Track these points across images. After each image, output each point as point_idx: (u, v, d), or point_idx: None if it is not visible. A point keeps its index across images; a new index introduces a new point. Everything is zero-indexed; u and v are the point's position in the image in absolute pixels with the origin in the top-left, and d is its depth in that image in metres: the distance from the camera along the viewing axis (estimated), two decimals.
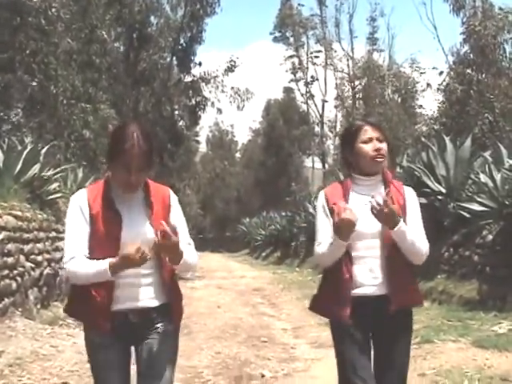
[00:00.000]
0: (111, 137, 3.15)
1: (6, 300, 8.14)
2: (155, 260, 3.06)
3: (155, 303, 3.11)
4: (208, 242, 56.64)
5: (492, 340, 7.17)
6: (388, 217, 3.17)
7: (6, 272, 8.11)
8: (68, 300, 3.35)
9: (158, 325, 3.12)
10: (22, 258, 8.75)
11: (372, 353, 3.41)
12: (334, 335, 3.47)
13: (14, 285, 8.42)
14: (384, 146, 3.36)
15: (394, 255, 3.29)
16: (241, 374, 6.73)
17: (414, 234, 3.29)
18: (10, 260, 8.30)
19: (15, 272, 8.48)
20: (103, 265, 2.92)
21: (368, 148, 3.33)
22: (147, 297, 3.10)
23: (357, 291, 3.30)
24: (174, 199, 3.25)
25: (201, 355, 7.62)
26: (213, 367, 7.02)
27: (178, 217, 3.21)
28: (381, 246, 3.30)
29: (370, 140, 3.34)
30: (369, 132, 3.35)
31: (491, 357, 6.48)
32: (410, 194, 3.44)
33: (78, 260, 2.99)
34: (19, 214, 8.90)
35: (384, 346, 3.34)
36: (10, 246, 8.25)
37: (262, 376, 6.61)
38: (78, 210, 3.07)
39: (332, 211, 3.21)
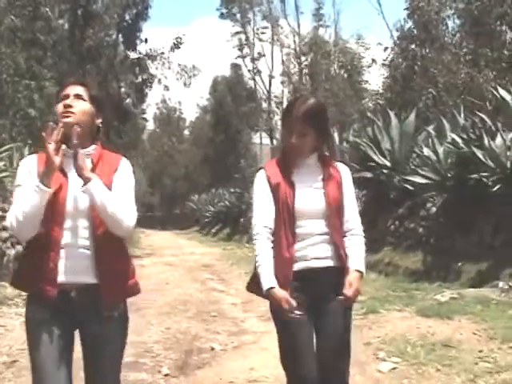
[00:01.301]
0: None
1: None
2: (90, 229, 2.97)
3: (94, 280, 2.98)
4: (157, 220, 56.47)
5: (435, 308, 7.42)
6: None
7: None
8: (14, 272, 3.29)
9: (102, 310, 3.00)
10: None
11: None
12: (272, 316, 3.41)
13: None
14: (304, 140, 3.30)
15: (338, 234, 3.34)
16: (191, 347, 6.82)
17: None
18: None
19: None
20: (32, 185, 2.84)
21: (287, 138, 3.37)
22: (87, 272, 2.97)
23: (301, 265, 3.30)
24: (124, 164, 3.14)
25: (151, 331, 7.67)
26: (163, 342, 7.08)
27: (122, 177, 3.08)
28: (326, 224, 3.32)
29: (291, 131, 3.33)
30: (292, 122, 3.31)
31: (434, 324, 6.70)
32: (344, 171, 3.47)
33: (14, 207, 2.91)
34: None
35: (331, 318, 3.33)
36: None
37: (212, 349, 6.71)
38: (26, 173, 2.99)
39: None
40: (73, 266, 2.95)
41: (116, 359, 3.10)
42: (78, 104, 3.02)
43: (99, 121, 3.12)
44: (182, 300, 10.11)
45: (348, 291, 3.17)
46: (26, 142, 14.94)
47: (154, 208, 64.77)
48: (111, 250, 3.02)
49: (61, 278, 2.94)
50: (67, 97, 3.03)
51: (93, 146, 3.09)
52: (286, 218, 3.31)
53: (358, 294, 3.24)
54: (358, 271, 3.26)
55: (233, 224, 30.71)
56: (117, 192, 3.01)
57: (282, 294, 3.16)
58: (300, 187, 3.34)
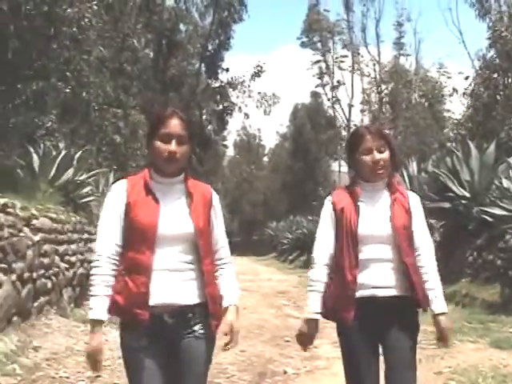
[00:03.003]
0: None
1: (42, 298, 8.51)
2: (194, 254, 3.04)
3: (191, 301, 3.02)
4: (235, 246, 56.64)
5: (509, 341, 7.40)
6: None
7: (42, 272, 8.48)
8: None
9: (196, 327, 3.05)
10: (56, 258, 9.14)
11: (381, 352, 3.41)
12: (340, 340, 3.46)
13: (50, 284, 8.80)
14: (384, 155, 3.38)
15: (409, 258, 3.32)
16: (265, 370, 7.02)
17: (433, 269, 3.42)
18: (46, 260, 8.67)
19: (50, 272, 8.86)
20: (94, 308, 2.96)
21: (367, 159, 3.38)
22: (183, 294, 3.01)
23: (362, 293, 3.30)
24: (215, 197, 3.24)
25: (226, 353, 7.85)
26: (238, 364, 7.30)
27: (218, 215, 3.22)
28: (393, 250, 3.32)
29: (370, 151, 3.37)
30: (369, 142, 3.37)
31: (507, 357, 6.70)
32: (413, 198, 3.50)
33: (101, 267, 2.99)
34: (54, 216, 9.27)
35: (392, 345, 3.33)
36: (46, 247, 8.62)
37: (285, 372, 6.88)
38: (115, 198, 3.07)
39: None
40: (166, 289, 2.98)
41: (203, 380, 3.14)
42: (182, 149, 3.05)
43: (190, 151, 3.15)
44: (257, 325, 10.30)
45: (443, 342, 3.40)
46: (111, 167, 15.60)
47: (232, 234, 65.29)
48: (214, 277, 3.14)
49: (152, 301, 2.96)
50: (169, 138, 3.04)
51: (182, 174, 3.14)
52: (349, 242, 3.34)
53: (450, 332, 3.44)
54: (443, 313, 3.38)
55: (310, 251, 30.41)
56: (219, 233, 3.20)
57: (312, 330, 3.43)
58: (365, 211, 3.37)
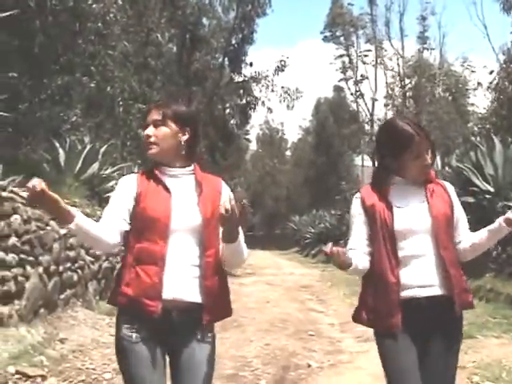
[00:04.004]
0: None
1: (68, 291, 8.63)
2: (200, 249, 2.96)
3: (198, 299, 2.93)
4: (257, 240, 56.81)
5: None
6: None
7: (68, 265, 8.59)
8: (112, 290, 3.08)
9: (198, 331, 2.95)
10: (82, 251, 9.24)
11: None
12: (381, 348, 3.20)
13: (76, 277, 8.91)
14: (430, 156, 3.20)
15: (448, 251, 3.13)
16: (288, 364, 7.07)
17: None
18: (72, 254, 8.78)
19: (76, 265, 8.97)
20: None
21: (418, 163, 3.17)
22: (190, 290, 2.92)
23: (406, 294, 3.08)
24: (225, 189, 3.13)
25: (250, 346, 7.97)
26: (262, 357, 7.35)
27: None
28: (433, 242, 3.11)
29: (421, 154, 3.17)
30: (421, 145, 3.15)
31: None
32: (450, 187, 3.30)
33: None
34: (80, 210, 9.36)
35: (435, 358, 3.12)
36: (72, 241, 8.72)
37: (309, 366, 6.93)
38: (125, 188, 3.02)
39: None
40: (177, 283, 2.89)
41: (208, 382, 3.01)
42: (157, 131, 3.02)
43: (185, 138, 3.05)
44: (280, 318, 10.35)
45: None
46: (135, 161, 15.71)
47: (254, 228, 65.42)
48: (217, 270, 2.99)
49: (165, 294, 2.86)
50: (146, 126, 3.07)
51: (191, 166, 3.10)
52: (386, 239, 3.12)
53: None
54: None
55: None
56: None
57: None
58: (399, 205, 3.15)
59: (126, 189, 3.02)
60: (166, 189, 2.98)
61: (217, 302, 2.99)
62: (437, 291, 3.09)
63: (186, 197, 3.00)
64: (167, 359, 3.01)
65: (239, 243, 2.97)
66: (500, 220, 3.12)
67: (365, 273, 3.21)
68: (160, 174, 3.03)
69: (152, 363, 2.89)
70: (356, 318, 3.30)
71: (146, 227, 2.90)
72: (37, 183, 2.61)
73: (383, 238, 3.12)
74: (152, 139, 3.02)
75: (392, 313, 3.07)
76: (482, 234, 3.19)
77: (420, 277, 3.08)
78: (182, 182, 3.04)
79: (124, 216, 2.95)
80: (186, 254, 2.93)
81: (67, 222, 2.77)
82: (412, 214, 3.14)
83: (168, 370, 3.01)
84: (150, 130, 3.03)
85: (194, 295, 2.93)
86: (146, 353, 2.88)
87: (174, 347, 2.97)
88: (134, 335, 2.88)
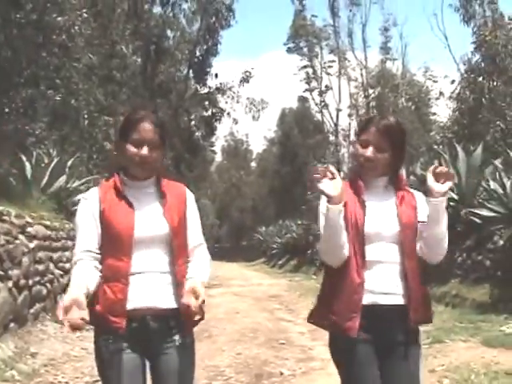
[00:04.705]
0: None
1: (38, 305, 8.56)
2: (170, 257, 2.97)
3: (172, 304, 2.94)
4: (224, 252, 56.82)
5: (500, 339, 7.52)
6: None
7: (37, 278, 8.53)
8: None
9: (176, 336, 2.97)
10: (51, 265, 9.19)
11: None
12: (335, 353, 3.13)
13: (45, 291, 8.85)
14: (382, 156, 3.06)
15: (412, 261, 3.05)
16: (261, 372, 7.10)
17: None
18: (41, 267, 8.73)
19: (45, 279, 8.91)
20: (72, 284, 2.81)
21: (361, 152, 3.10)
22: (164, 297, 2.94)
23: (368, 298, 2.98)
24: (190, 196, 3.15)
25: (222, 356, 7.99)
26: (234, 366, 7.38)
27: (193, 214, 3.12)
28: (399, 250, 3.04)
29: (367, 144, 3.08)
30: (369, 135, 3.08)
31: (498, 354, 6.83)
32: (419, 196, 3.19)
33: (82, 259, 2.90)
34: (48, 223, 9.33)
35: (395, 366, 3.04)
36: (41, 254, 8.68)
37: (281, 374, 6.98)
38: (88, 207, 2.99)
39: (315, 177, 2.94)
40: (149, 291, 2.91)
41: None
42: (154, 154, 2.97)
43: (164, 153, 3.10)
44: (251, 328, 10.38)
45: None
46: (102, 174, 15.63)
47: (221, 239, 65.37)
48: (183, 274, 2.99)
49: (132, 305, 2.89)
50: (141, 143, 2.96)
51: (153, 177, 3.07)
52: (354, 239, 3.01)
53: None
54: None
55: (300, 256, 30.78)
56: (194, 230, 3.10)
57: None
58: (371, 208, 3.05)
59: (89, 213, 2.99)
60: (129, 203, 2.97)
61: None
62: (399, 300, 3.00)
63: (150, 208, 3.00)
64: (147, 365, 3.02)
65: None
66: (426, 200, 3.06)
67: (332, 263, 3.06)
68: (122, 187, 3.01)
69: (132, 374, 2.90)
70: (313, 318, 3.20)
71: (110, 244, 2.92)
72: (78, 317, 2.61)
73: (352, 237, 3.01)
74: (150, 161, 2.98)
75: (351, 316, 2.95)
76: (427, 225, 3.06)
77: (382, 283, 2.99)
78: (145, 193, 3.04)
79: (97, 244, 2.95)
80: (155, 263, 2.94)
81: None
82: (381, 218, 3.06)
83: (149, 376, 3.03)
84: (147, 152, 2.96)
85: (168, 301, 2.94)
86: (126, 363, 2.88)
87: (153, 353, 2.98)
88: (112, 346, 2.88)
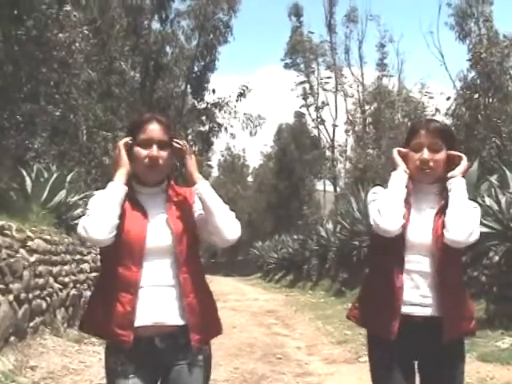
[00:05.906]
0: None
1: (37, 319, 8.61)
2: (176, 269, 2.85)
3: (180, 321, 2.82)
4: (220, 266, 56.76)
5: (495, 354, 7.61)
6: None
7: (37, 292, 8.59)
8: (83, 315, 3.10)
9: (186, 355, 2.85)
10: (51, 279, 9.25)
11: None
12: (372, 353, 3.16)
13: (44, 305, 8.91)
14: (439, 156, 3.02)
15: (446, 272, 2.97)
16: None
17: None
18: (41, 281, 8.78)
19: (45, 292, 8.97)
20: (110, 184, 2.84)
21: (415, 157, 3.05)
22: (171, 313, 2.83)
23: (404, 308, 2.96)
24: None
25: (220, 370, 8.02)
26: (231, 381, 7.46)
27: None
28: (431, 260, 2.98)
29: (421, 147, 3.04)
30: (422, 137, 3.05)
31: (493, 369, 6.92)
32: None
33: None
34: (48, 237, 9.40)
35: (434, 379, 3.02)
36: (41, 268, 8.73)
37: None
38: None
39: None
40: (156, 307, 2.81)
41: None
42: (164, 155, 2.88)
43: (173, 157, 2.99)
44: (248, 343, 10.44)
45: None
46: (100, 189, 15.71)
47: (217, 254, 65.23)
48: (198, 286, 2.89)
49: (140, 321, 2.78)
50: (149, 143, 2.88)
51: (165, 182, 3.00)
52: (395, 246, 2.97)
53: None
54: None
55: (296, 271, 30.79)
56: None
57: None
58: (415, 215, 3.01)
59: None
60: (143, 212, 2.87)
61: (203, 319, 2.89)
62: (429, 312, 2.95)
63: (159, 216, 2.90)
64: None
65: (214, 201, 2.92)
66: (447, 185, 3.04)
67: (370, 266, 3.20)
68: (135, 195, 2.92)
69: None
70: (352, 314, 3.22)
71: (121, 252, 2.80)
72: None
73: (395, 243, 2.96)
74: (160, 161, 2.89)
75: (391, 320, 2.93)
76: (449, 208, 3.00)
77: (417, 294, 2.96)
78: (156, 201, 2.94)
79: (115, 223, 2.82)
80: (162, 276, 2.83)
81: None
82: (421, 227, 3.01)
83: None
84: (157, 152, 2.88)
85: (175, 318, 2.83)
86: None
87: (163, 373, 2.89)
88: (120, 368, 2.81)
